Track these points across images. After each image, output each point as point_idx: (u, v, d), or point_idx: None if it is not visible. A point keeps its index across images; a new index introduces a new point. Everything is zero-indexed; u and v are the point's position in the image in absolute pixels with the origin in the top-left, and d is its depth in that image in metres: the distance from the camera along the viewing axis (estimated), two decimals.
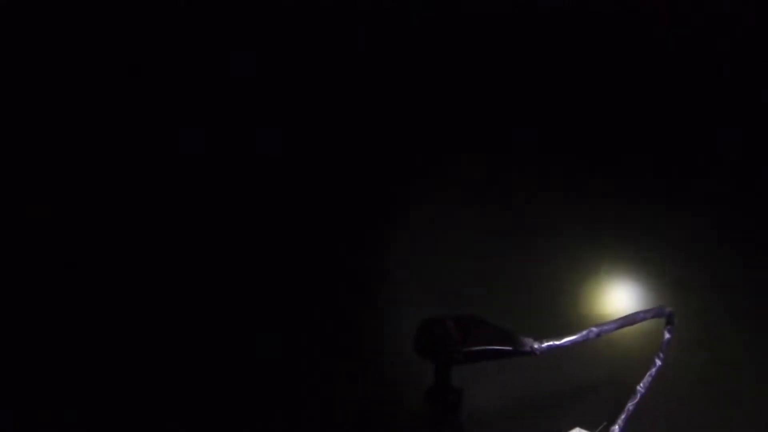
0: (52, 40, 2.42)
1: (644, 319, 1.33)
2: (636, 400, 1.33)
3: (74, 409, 2.04)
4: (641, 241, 2.02)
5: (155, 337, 2.40)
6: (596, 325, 1.26)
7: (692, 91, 2.53)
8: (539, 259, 2.12)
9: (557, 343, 1.22)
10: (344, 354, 2.02)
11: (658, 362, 1.37)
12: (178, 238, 2.57)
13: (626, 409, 1.31)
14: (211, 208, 2.61)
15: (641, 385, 1.34)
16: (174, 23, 2.50)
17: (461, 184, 2.53)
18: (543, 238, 2.21)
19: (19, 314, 2.30)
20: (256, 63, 2.64)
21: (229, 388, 2.15)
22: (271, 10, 2.55)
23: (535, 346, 1.21)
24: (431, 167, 2.60)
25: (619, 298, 1.90)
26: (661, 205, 2.15)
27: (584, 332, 1.24)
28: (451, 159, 2.60)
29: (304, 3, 2.56)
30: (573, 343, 1.23)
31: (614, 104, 2.59)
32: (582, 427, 1.31)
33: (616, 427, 1.28)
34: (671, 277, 1.80)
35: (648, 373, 1.36)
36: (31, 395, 2.16)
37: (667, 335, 1.38)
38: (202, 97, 2.58)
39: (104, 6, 2.41)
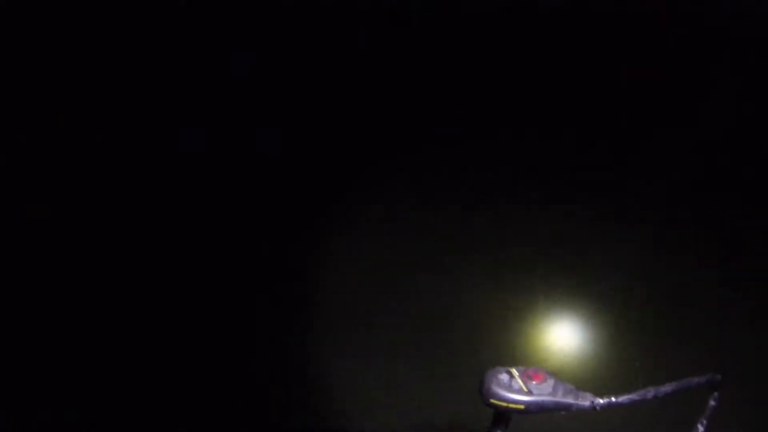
0: (53, 41, 2.41)
1: (698, 384, 1.30)
2: None
3: (70, 405, 2.01)
4: None
5: (153, 331, 2.38)
6: (653, 387, 1.26)
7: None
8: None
9: (616, 400, 1.23)
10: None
11: (701, 429, 1.34)
12: (177, 236, 2.56)
13: None
14: (209, 207, 2.60)
15: None
16: (174, 23, 2.49)
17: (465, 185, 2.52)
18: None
19: (19, 314, 2.29)
20: (256, 63, 2.63)
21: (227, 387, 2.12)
22: (271, 10, 2.54)
23: (595, 401, 1.23)
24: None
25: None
26: None
27: (642, 392, 1.25)
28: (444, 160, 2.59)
29: (304, 3, 2.55)
30: (631, 402, 1.24)
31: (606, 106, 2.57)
32: None
33: None
34: None
35: None
36: (30, 395, 2.14)
37: (712, 403, 1.35)
38: (202, 97, 2.57)
39: (105, 6, 2.40)
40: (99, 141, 2.52)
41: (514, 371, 1.22)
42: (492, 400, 1.21)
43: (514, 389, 1.20)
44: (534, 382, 1.21)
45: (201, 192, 2.59)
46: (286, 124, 2.65)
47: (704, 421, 1.33)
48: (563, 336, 2.25)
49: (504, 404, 1.21)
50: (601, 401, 1.22)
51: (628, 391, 1.23)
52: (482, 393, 1.23)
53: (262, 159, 2.61)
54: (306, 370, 2.45)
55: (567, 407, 1.21)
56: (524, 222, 2.46)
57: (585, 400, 1.22)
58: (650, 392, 1.24)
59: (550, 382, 1.22)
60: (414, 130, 2.61)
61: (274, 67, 2.62)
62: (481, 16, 2.55)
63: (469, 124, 2.59)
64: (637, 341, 2.24)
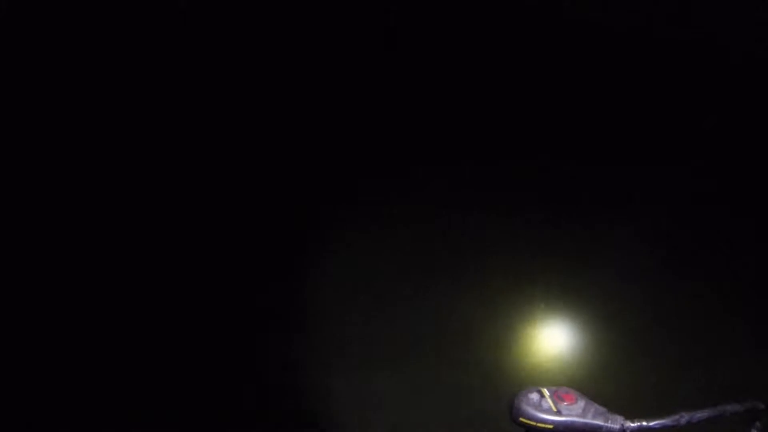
0: (54, 41, 2.40)
1: (736, 411, 1.27)
2: None
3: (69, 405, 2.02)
4: None
5: (152, 331, 2.38)
6: (687, 412, 1.23)
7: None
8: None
9: (647, 424, 1.21)
10: None
11: None
12: (176, 236, 2.55)
13: None
14: (209, 208, 2.59)
15: None
16: (174, 23, 2.48)
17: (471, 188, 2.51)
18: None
19: (19, 313, 2.29)
20: (256, 63, 2.62)
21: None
22: (272, 9, 2.53)
23: (625, 425, 1.21)
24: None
25: None
26: None
27: (674, 417, 1.22)
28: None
29: (304, 3, 2.54)
30: (662, 427, 1.21)
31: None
32: None
33: None
34: None
35: None
36: (30, 395, 2.14)
37: None
38: (202, 97, 2.56)
39: (105, 7, 2.39)
40: (99, 141, 2.51)
41: (545, 391, 1.22)
42: (521, 419, 1.21)
43: (544, 409, 1.19)
44: (565, 403, 1.20)
45: (201, 192, 2.59)
46: (285, 124, 2.64)
47: None
48: (566, 343, 2.25)
49: (533, 423, 1.20)
50: (632, 425, 1.20)
51: (660, 416, 1.21)
52: (511, 411, 1.22)
53: (262, 159, 2.61)
54: (306, 376, 2.46)
55: (596, 429, 1.20)
56: (525, 226, 2.45)
57: (615, 423, 1.21)
58: (684, 417, 1.21)
59: (581, 403, 1.21)
60: (418, 134, 2.60)
61: (274, 67, 2.61)
62: (484, 20, 2.55)
63: (473, 130, 2.58)
64: (636, 345, 2.25)
